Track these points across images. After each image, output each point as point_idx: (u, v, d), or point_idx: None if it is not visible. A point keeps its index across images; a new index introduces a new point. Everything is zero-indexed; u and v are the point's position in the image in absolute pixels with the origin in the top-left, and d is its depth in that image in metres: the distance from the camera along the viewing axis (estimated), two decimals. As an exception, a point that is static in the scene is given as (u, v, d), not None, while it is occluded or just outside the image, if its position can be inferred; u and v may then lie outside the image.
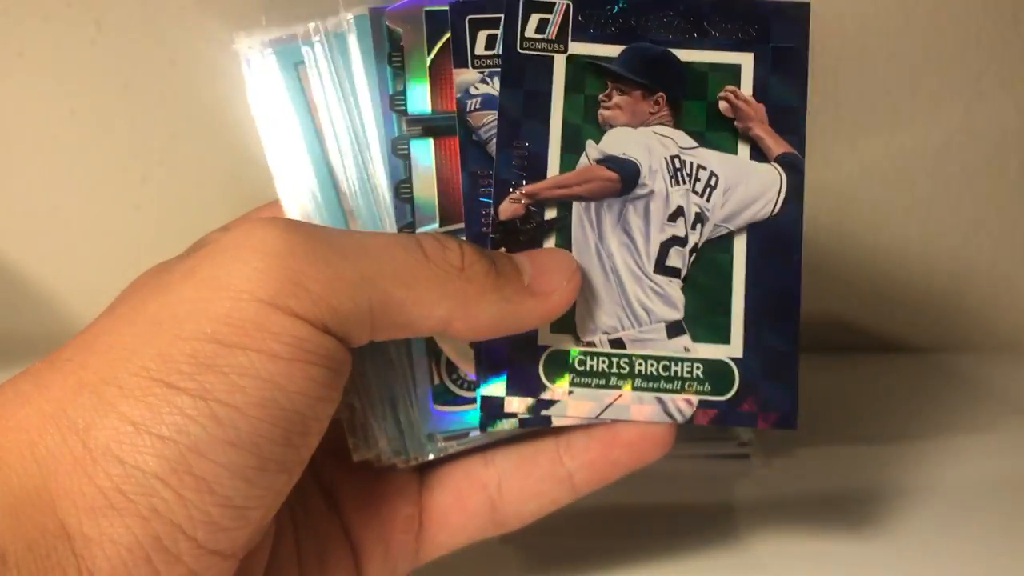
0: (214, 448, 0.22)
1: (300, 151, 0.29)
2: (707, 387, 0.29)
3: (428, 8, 0.29)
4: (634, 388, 0.29)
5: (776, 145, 0.29)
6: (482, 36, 0.29)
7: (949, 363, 0.53)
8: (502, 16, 0.29)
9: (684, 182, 0.29)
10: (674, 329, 0.29)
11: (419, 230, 0.29)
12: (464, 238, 0.29)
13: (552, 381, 0.29)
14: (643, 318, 0.29)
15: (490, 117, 0.29)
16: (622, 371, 0.29)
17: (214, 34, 0.47)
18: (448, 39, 0.29)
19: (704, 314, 0.29)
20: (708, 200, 0.29)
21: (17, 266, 0.51)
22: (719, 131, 0.29)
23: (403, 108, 0.29)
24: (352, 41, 0.29)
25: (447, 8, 0.29)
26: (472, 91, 0.29)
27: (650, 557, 0.33)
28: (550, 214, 0.29)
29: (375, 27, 0.29)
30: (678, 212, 0.29)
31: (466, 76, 0.29)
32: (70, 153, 0.50)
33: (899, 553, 0.33)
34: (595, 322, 0.29)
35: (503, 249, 0.29)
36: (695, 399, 0.29)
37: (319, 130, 0.29)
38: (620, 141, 0.29)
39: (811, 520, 0.35)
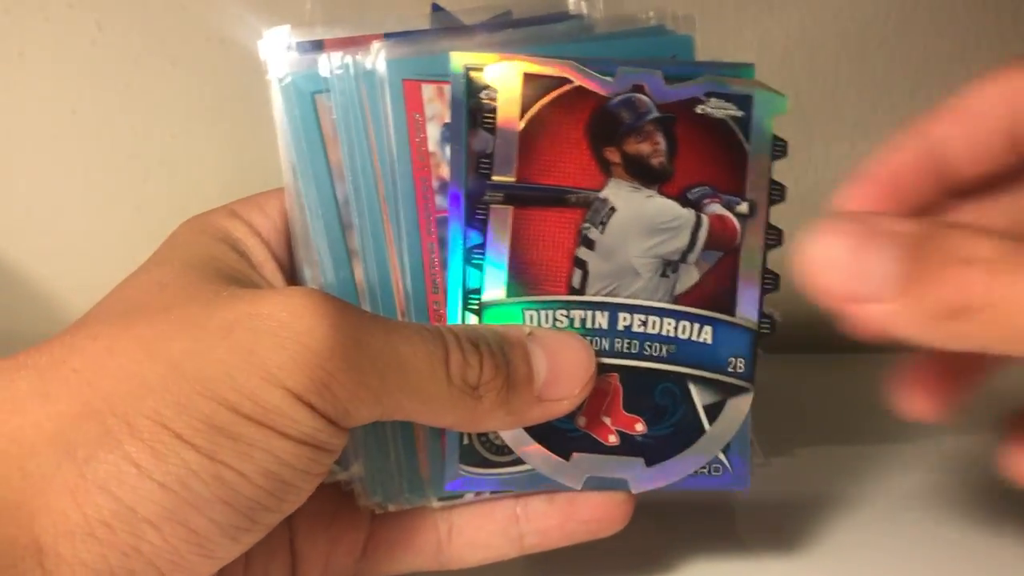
0: (212, 506, 0.23)
1: (308, 183, 0.29)
2: None
3: (528, 71, 0.28)
4: None
5: None
6: None
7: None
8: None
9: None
10: None
11: (484, 296, 0.29)
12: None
13: None
14: None
15: None
16: None
17: (215, 34, 0.47)
18: (544, 105, 0.29)
19: None
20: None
21: (17, 266, 0.51)
22: None
23: (488, 172, 0.29)
24: (385, 85, 0.28)
25: (545, 74, 0.28)
26: None
27: (649, 556, 0.33)
28: None
29: (456, 78, 0.28)
30: None
31: None
32: (71, 153, 0.50)
33: (899, 552, 0.33)
34: None
35: None
36: None
37: (331, 168, 0.29)
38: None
39: (811, 520, 0.35)
